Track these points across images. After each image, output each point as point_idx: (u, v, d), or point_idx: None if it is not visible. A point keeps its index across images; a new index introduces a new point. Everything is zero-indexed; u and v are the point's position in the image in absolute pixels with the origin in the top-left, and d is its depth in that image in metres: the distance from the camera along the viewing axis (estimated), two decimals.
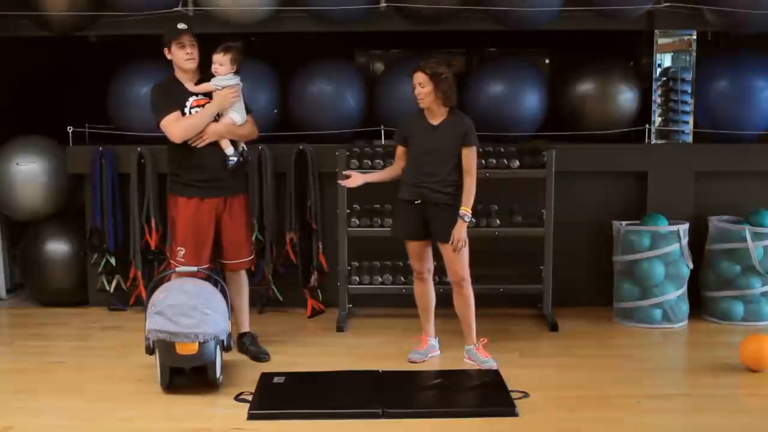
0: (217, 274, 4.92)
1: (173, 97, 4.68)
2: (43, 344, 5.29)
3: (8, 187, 5.93)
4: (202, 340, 4.29)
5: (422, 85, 4.59)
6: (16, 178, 5.92)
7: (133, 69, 5.92)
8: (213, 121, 4.72)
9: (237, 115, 4.78)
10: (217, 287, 4.64)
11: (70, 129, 5.85)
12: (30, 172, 5.92)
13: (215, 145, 4.73)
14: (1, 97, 6.32)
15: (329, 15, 5.46)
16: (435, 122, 4.70)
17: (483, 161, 5.35)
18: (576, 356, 4.98)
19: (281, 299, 5.85)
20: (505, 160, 5.48)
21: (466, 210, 4.62)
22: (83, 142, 5.93)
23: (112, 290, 5.88)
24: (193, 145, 4.68)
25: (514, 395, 4.29)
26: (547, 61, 7.73)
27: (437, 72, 4.58)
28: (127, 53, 6.04)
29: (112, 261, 5.83)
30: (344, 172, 4.99)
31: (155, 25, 5.40)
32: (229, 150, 4.74)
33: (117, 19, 5.50)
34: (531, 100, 5.82)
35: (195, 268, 4.69)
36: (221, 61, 4.70)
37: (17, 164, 5.92)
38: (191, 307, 4.33)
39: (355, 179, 4.86)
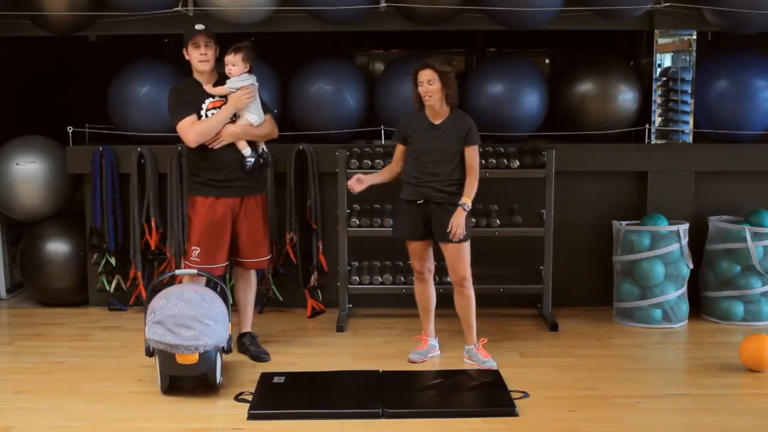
0: (216, 276, 4.92)
1: (189, 100, 4.70)
2: (43, 344, 5.29)
3: (8, 187, 5.93)
4: (202, 351, 4.28)
5: (431, 82, 4.58)
6: (16, 178, 5.92)
7: (133, 69, 5.92)
8: (230, 122, 4.73)
9: (253, 116, 4.77)
10: (216, 290, 4.63)
11: (70, 129, 5.85)
12: (30, 172, 5.92)
13: (233, 146, 4.74)
14: (1, 97, 6.33)
15: (329, 15, 5.46)
16: (436, 122, 4.70)
17: (483, 161, 5.34)
18: (576, 356, 4.98)
19: (281, 299, 5.85)
20: (505, 160, 5.49)
21: (466, 200, 4.61)
22: (83, 142, 5.94)
23: (112, 290, 5.88)
24: (210, 146, 4.69)
25: (514, 395, 4.29)
26: (547, 61, 7.73)
27: (444, 70, 4.60)
28: (127, 53, 6.05)
29: (112, 261, 5.83)
30: (349, 182, 4.80)
31: (155, 25, 5.41)
32: (246, 151, 4.74)
33: (117, 19, 5.50)
34: (531, 100, 5.81)
35: (195, 270, 4.68)
36: (233, 62, 4.70)
37: (17, 164, 5.92)
38: (191, 317, 4.30)
39: (360, 184, 4.76)
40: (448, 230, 4.59)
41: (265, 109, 4.89)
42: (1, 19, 5.51)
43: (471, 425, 4.02)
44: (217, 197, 4.76)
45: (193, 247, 4.79)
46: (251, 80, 4.75)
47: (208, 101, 4.71)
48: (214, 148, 4.70)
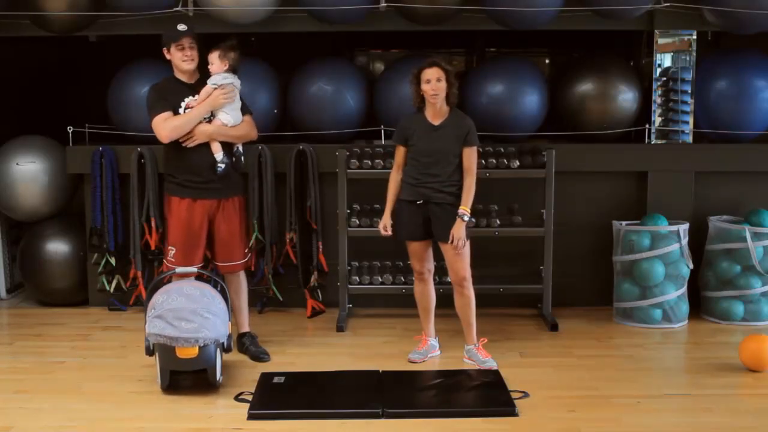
0: (217, 275, 4.92)
1: (167, 98, 4.69)
2: (43, 344, 5.29)
3: (8, 187, 5.93)
4: (202, 345, 4.29)
5: (439, 80, 4.58)
6: (16, 178, 5.92)
7: (132, 69, 5.92)
8: (205, 122, 4.71)
9: (226, 117, 4.73)
10: (217, 288, 4.64)
11: (70, 129, 5.85)
12: (30, 172, 5.92)
13: (209, 148, 4.73)
14: (1, 97, 6.33)
15: (329, 15, 5.46)
16: (436, 122, 4.69)
17: (483, 161, 5.35)
18: (576, 356, 4.98)
19: (281, 299, 5.85)
20: (505, 160, 5.49)
21: (465, 209, 4.62)
22: (83, 142, 5.94)
23: (112, 290, 5.88)
24: (183, 145, 4.69)
25: (514, 395, 4.30)
26: (547, 61, 7.73)
27: (450, 69, 4.61)
28: (127, 53, 6.05)
29: (112, 261, 5.83)
30: (383, 231, 4.84)
31: (155, 25, 5.40)
32: (218, 155, 4.71)
33: (117, 19, 5.50)
34: (531, 100, 5.81)
35: (195, 269, 4.69)
36: (211, 59, 4.72)
37: (17, 164, 5.92)
38: (191, 311, 4.32)
39: (388, 227, 4.81)
40: (450, 241, 4.60)
41: (245, 110, 4.87)
42: (1, 19, 5.51)
43: (471, 425, 4.02)
44: (195, 199, 4.75)
45: (169, 247, 4.80)
46: (231, 80, 4.73)
47: (186, 100, 4.70)
48: (187, 146, 4.69)
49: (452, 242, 4.61)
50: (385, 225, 4.84)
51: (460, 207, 4.62)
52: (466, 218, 4.62)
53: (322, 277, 5.84)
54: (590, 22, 5.62)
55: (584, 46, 6.87)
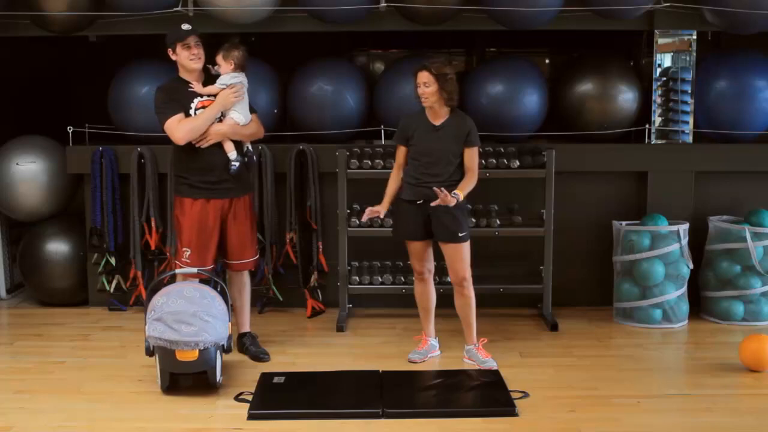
0: (217, 275, 4.92)
1: (177, 99, 4.69)
2: (43, 344, 5.30)
3: (8, 187, 5.93)
4: (202, 348, 4.29)
5: (427, 85, 4.57)
6: (16, 178, 5.92)
7: (133, 69, 5.92)
8: (217, 121, 4.72)
9: (238, 115, 4.76)
10: (216, 289, 4.63)
11: (70, 129, 5.85)
12: (30, 172, 5.92)
13: (220, 147, 4.73)
14: (1, 97, 6.32)
15: (329, 15, 5.46)
16: (437, 122, 4.69)
17: (483, 161, 5.35)
18: (576, 356, 4.98)
19: (281, 299, 5.85)
20: (505, 160, 5.49)
21: (459, 192, 4.54)
22: (83, 142, 5.94)
23: (112, 290, 5.88)
24: (197, 146, 4.68)
25: (514, 395, 4.30)
26: (547, 61, 7.73)
27: (443, 72, 4.58)
28: (127, 53, 6.05)
29: (112, 261, 5.83)
30: (366, 216, 4.79)
31: (155, 25, 5.41)
32: (232, 154, 4.73)
33: (117, 19, 5.50)
34: (531, 100, 5.81)
35: (195, 269, 4.68)
36: (218, 61, 4.74)
37: (17, 164, 5.92)
38: (191, 314, 4.32)
39: (382, 213, 4.80)
40: (436, 204, 4.50)
41: (251, 109, 4.88)
42: (1, 19, 5.51)
43: (471, 425, 4.02)
44: (208, 199, 4.74)
45: (183, 249, 4.79)
46: (239, 79, 4.74)
47: (196, 101, 4.70)
48: (201, 147, 4.69)
49: (440, 191, 4.46)
50: (378, 210, 4.76)
51: (456, 189, 4.56)
52: (455, 195, 4.49)
53: (322, 277, 5.84)
54: (590, 22, 5.61)
55: (584, 46, 6.87)
